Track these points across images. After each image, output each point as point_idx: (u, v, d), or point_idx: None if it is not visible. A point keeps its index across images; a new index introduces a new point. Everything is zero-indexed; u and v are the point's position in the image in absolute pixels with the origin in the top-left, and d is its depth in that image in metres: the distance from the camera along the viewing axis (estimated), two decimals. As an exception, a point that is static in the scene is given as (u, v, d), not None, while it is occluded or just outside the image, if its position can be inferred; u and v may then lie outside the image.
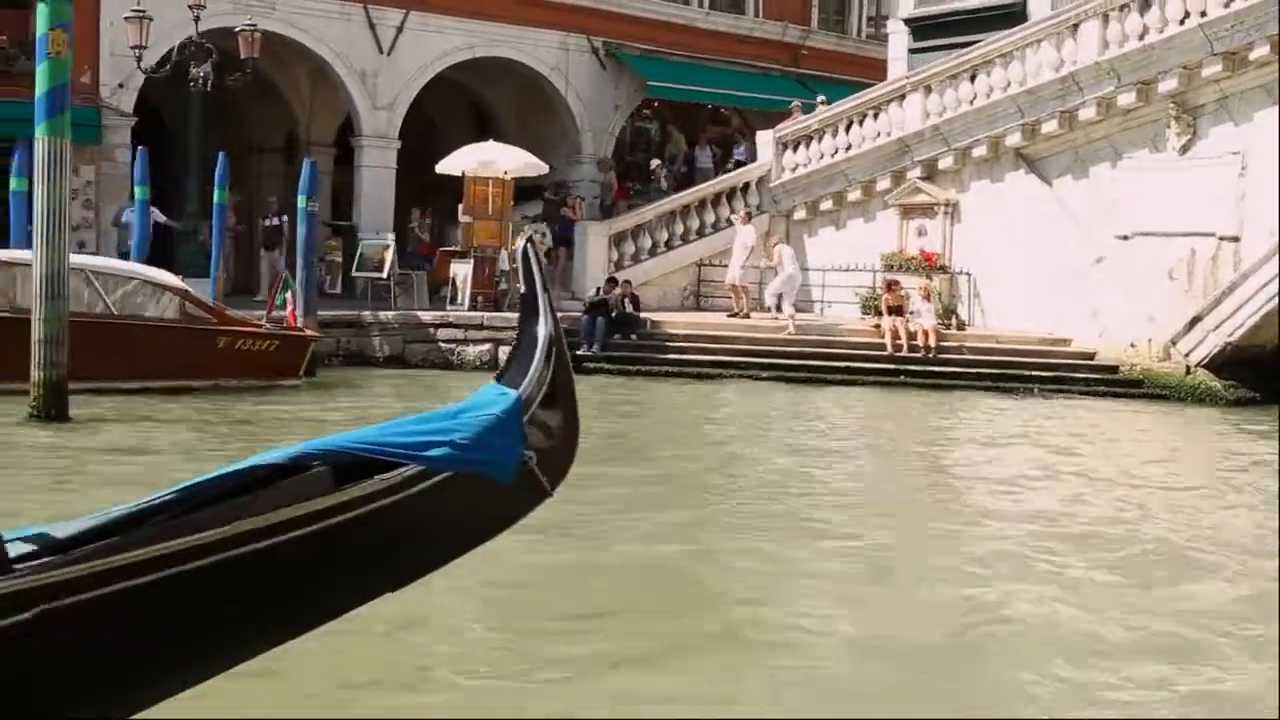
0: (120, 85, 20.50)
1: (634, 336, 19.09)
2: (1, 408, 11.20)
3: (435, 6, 23.20)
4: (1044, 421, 14.57)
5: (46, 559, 2.96)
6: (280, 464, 3.24)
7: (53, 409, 10.98)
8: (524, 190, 22.05)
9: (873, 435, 13.95)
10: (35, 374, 10.99)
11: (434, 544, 3.62)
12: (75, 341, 11.42)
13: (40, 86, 11.32)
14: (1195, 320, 17.40)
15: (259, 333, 14.41)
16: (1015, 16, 23.12)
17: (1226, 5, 16.94)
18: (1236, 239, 17.21)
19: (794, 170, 22.15)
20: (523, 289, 3.83)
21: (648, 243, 21.49)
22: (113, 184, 20.67)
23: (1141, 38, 17.81)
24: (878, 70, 27.31)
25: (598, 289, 19.65)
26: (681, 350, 18.87)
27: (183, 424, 11.67)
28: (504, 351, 18.26)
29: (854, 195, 21.43)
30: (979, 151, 19.73)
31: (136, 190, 18.77)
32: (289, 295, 15.18)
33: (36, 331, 11.00)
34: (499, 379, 3.67)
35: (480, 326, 18.46)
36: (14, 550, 2.93)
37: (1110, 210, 18.39)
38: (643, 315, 19.45)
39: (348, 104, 23.21)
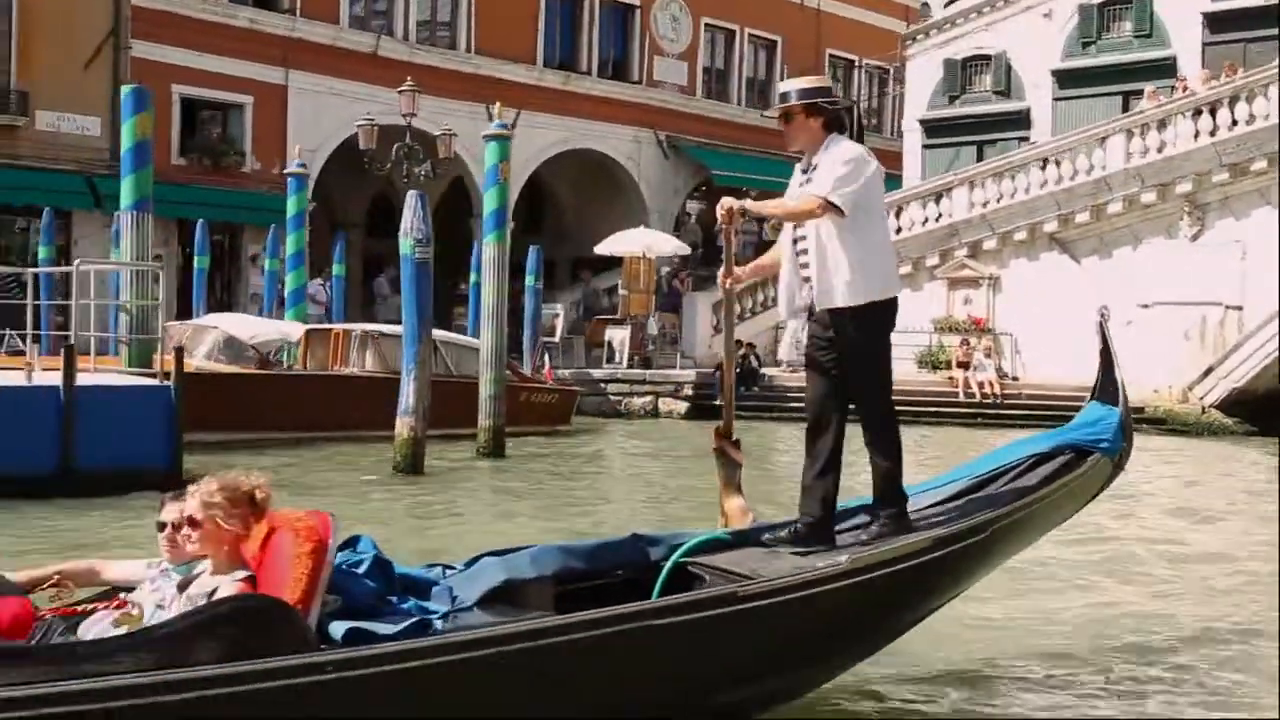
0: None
1: (755, 389, 23.09)
2: (453, 449, 14.55)
3: (540, 107, 27.07)
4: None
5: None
6: (1045, 451, 5.42)
7: (495, 448, 14.41)
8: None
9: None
10: (484, 421, 14.37)
11: (1088, 500, 5.57)
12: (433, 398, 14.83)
13: (489, 206, 14.64)
14: (1209, 370, 22.27)
15: (546, 387, 17.88)
16: (1020, 121, 28.15)
17: (1231, 129, 21.97)
18: (1240, 308, 22.17)
19: (847, 248, 26.43)
20: (1100, 345, 5.75)
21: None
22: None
23: (1160, 150, 22.72)
24: (882, 158, 32.07)
25: (726, 349, 23.64)
26: (797, 399, 22.93)
27: (576, 458, 15.18)
28: (663, 401, 22.23)
29: (904, 269, 25.80)
30: (1019, 236, 24.39)
31: (335, 267, 22.16)
32: (547, 357, 18.73)
33: (485, 390, 14.42)
34: (1093, 398, 5.71)
35: (643, 381, 22.21)
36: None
37: (1130, 284, 23.16)
38: (760, 371, 23.49)
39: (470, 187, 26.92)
